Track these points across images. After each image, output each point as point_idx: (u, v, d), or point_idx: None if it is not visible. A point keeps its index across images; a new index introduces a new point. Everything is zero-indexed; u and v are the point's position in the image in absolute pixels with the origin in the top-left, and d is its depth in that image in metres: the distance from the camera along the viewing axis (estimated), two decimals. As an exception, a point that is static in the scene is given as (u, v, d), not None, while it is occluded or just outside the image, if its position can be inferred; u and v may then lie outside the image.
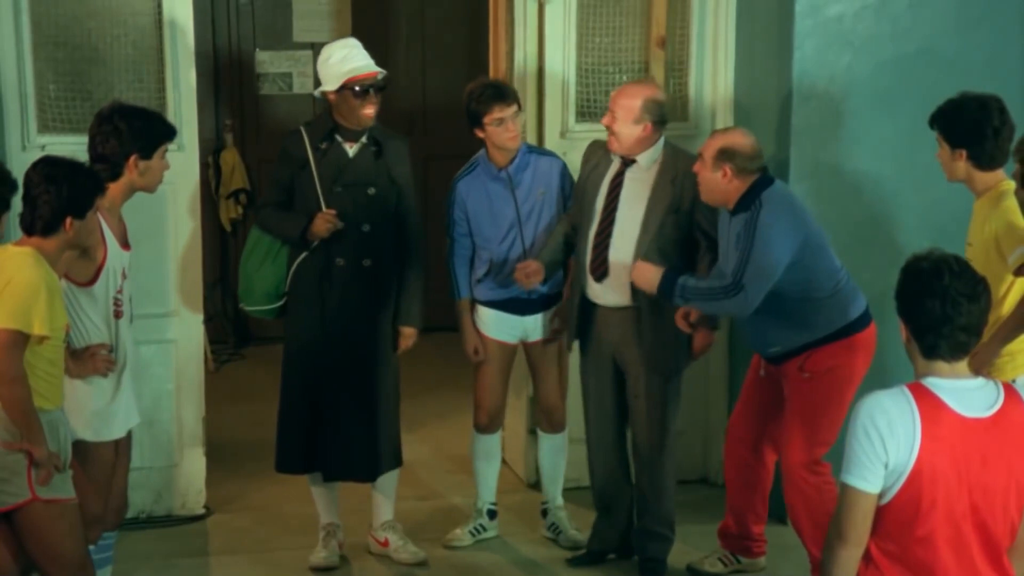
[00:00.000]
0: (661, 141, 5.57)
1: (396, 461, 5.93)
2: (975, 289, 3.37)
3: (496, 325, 5.96)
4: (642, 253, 5.44)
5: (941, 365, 3.39)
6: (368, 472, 5.84)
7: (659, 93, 5.61)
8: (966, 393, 3.38)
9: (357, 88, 5.60)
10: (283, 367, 5.83)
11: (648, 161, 5.54)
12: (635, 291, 5.48)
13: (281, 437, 5.84)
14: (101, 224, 4.77)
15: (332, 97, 5.65)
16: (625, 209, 5.53)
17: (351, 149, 5.71)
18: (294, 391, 5.78)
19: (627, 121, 5.46)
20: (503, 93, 5.78)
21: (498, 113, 5.74)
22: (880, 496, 3.35)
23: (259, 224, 5.84)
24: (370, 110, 5.64)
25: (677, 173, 5.48)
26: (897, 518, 3.36)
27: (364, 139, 5.72)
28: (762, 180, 5.22)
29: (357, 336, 5.71)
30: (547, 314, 5.96)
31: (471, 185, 5.91)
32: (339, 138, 5.70)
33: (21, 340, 4.29)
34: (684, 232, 5.49)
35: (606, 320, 5.62)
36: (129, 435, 5.11)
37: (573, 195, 5.81)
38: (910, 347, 3.44)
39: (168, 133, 5.00)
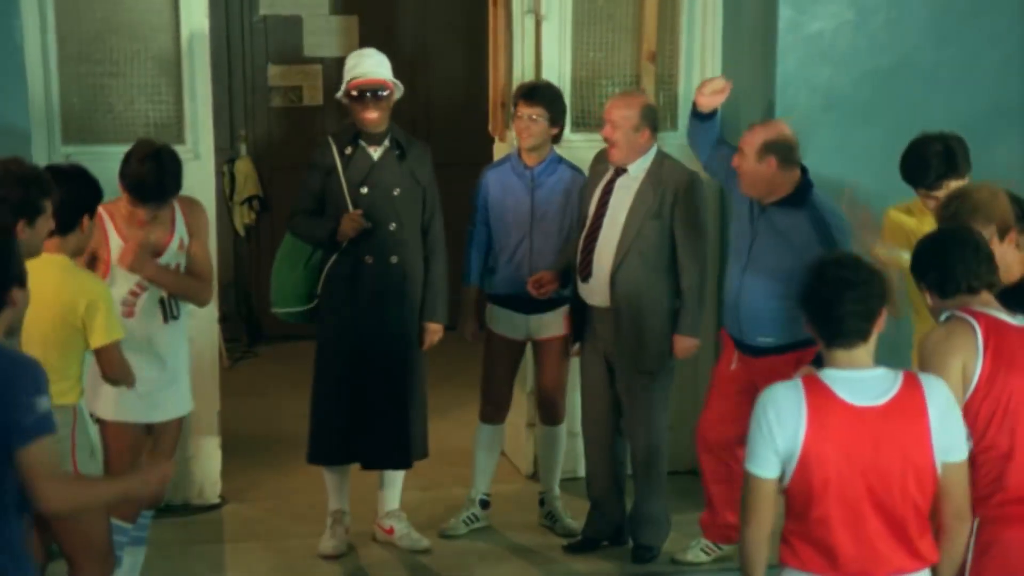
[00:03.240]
0: (653, 149, 5.77)
1: (424, 451, 6.04)
2: (857, 276, 3.59)
3: (503, 322, 6.14)
4: (622, 256, 5.66)
5: (839, 354, 3.61)
6: (401, 460, 5.95)
7: (651, 100, 5.83)
8: (859, 383, 3.58)
9: (354, 92, 5.79)
10: (316, 363, 5.92)
11: (638, 170, 5.73)
12: (614, 293, 5.69)
13: (315, 430, 5.93)
14: (108, 230, 5.06)
15: (345, 102, 5.86)
16: (611, 215, 5.72)
17: (375, 153, 5.86)
18: (329, 385, 5.88)
19: (628, 130, 5.66)
20: (531, 94, 5.99)
21: (519, 108, 5.97)
22: (781, 480, 3.59)
23: (291, 230, 5.96)
24: (371, 114, 5.78)
25: (661, 182, 5.68)
26: (796, 500, 3.60)
27: (387, 143, 5.86)
28: (808, 181, 5.48)
29: (388, 330, 5.84)
30: (554, 314, 6.08)
31: (497, 176, 6.11)
32: (363, 143, 5.85)
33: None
34: (664, 238, 5.68)
35: (598, 319, 5.81)
36: (174, 426, 5.38)
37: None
38: (816, 338, 3.67)
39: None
